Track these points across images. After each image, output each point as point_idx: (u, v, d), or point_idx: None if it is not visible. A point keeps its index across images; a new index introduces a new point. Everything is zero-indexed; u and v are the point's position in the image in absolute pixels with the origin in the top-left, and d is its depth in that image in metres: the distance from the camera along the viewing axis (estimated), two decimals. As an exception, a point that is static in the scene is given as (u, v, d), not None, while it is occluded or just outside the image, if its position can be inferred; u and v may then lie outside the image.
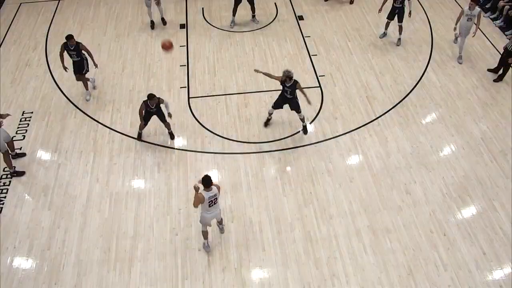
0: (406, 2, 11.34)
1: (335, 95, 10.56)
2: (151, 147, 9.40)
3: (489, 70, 11.05)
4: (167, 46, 8.78)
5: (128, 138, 9.60)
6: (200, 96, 10.60)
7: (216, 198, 6.98)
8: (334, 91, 10.68)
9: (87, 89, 10.41)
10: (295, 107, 9.17)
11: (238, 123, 9.91)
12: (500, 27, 12.60)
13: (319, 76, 11.10)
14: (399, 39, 11.99)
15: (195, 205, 6.88)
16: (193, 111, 10.21)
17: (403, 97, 10.53)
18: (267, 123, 9.80)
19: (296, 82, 8.84)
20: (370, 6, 13.63)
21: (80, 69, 10.02)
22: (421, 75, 11.14)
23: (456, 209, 8.24)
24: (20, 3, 13.96)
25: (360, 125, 9.85)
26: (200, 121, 9.96)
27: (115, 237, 7.87)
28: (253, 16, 12.82)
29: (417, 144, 9.43)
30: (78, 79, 10.25)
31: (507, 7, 12.50)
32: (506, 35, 12.22)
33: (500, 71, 10.76)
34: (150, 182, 8.77)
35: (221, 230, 7.87)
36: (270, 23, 12.95)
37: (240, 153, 9.29)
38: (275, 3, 13.14)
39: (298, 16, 13.24)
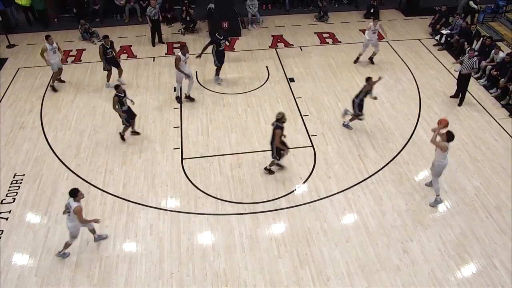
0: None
1: (327, 155, 10.65)
2: (143, 209, 9.28)
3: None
4: None
5: (120, 200, 9.48)
6: (194, 157, 10.63)
7: (69, 211, 7.66)
8: (326, 150, 10.78)
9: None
10: None
11: (232, 184, 9.87)
12: (484, 86, 13.12)
13: (311, 136, 11.24)
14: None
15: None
16: (186, 172, 10.19)
17: (395, 155, 10.65)
18: None
19: None
20: (359, 68, 14.15)
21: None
22: (411, 133, 11.35)
23: (455, 268, 8.06)
24: (18, 68, 14.32)
25: (354, 184, 9.85)
26: (193, 182, 9.91)
27: (104, 304, 7.55)
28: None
29: (411, 201, 9.40)
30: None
31: (489, 67, 13.10)
32: (490, 93, 12.68)
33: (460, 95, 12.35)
34: (142, 245, 8.55)
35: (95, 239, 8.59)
36: (262, 85, 13.31)
37: (234, 214, 9.17)
38: (266, 66, 13.57)
39: (289, 78, 13.64)
